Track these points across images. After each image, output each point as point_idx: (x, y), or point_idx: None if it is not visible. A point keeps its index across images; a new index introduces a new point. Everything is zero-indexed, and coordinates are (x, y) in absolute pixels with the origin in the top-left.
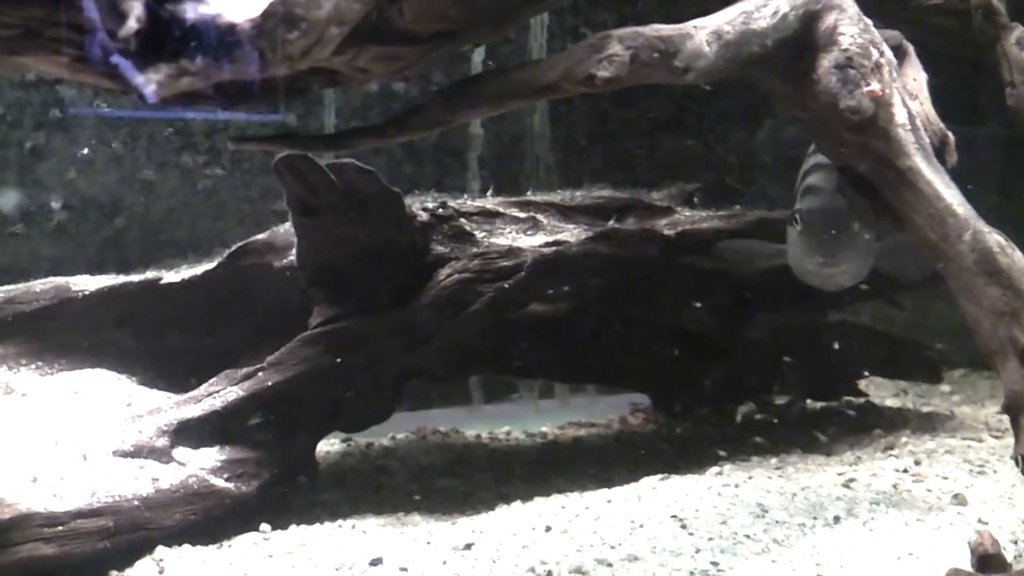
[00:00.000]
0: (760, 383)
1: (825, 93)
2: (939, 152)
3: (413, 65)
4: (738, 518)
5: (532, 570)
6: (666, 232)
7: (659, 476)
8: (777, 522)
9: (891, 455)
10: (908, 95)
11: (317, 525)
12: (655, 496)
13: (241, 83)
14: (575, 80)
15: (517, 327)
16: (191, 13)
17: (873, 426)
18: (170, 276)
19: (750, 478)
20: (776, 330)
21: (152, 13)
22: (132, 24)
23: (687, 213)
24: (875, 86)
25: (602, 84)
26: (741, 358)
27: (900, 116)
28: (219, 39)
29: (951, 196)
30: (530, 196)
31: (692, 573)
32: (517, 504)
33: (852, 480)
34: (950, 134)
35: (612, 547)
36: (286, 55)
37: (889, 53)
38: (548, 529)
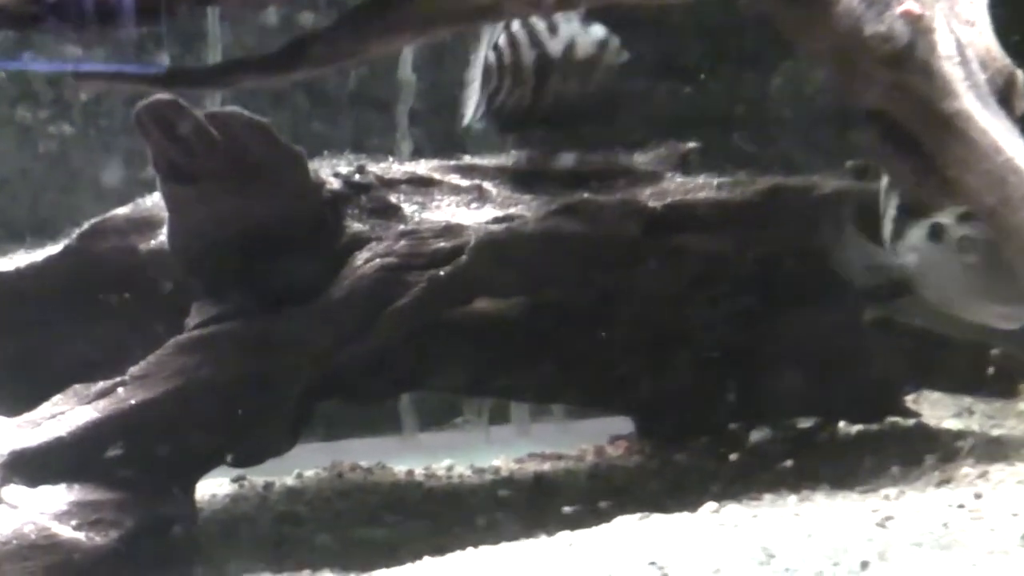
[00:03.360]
0: (778, 402)
1: (846, 16)
2: (1003, 94)
3: None
4: (735, 565)
5: None
6: (651, 204)
7: (638, 515)
8: (786, 569)
9: (945, 488)
10: (958, 20)
11: None
12: (631, 539)
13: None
14: None
15: (458, 330)
16: None
17: (925, 454)
18: (1, 264)
19: (755, 517)
20: (800, 333)
21: None
22: None
23: (678, 180)
24: (911, 5)
25: (554, 3)
26: (753, 369)
27: (945, 46)
28: None
29: (1014, 148)
30: (474, 159)
31: None
32: (453, 555)
33: (889, 518)
34: (1020, 72)
35: None
36: None
37: None
38: None
